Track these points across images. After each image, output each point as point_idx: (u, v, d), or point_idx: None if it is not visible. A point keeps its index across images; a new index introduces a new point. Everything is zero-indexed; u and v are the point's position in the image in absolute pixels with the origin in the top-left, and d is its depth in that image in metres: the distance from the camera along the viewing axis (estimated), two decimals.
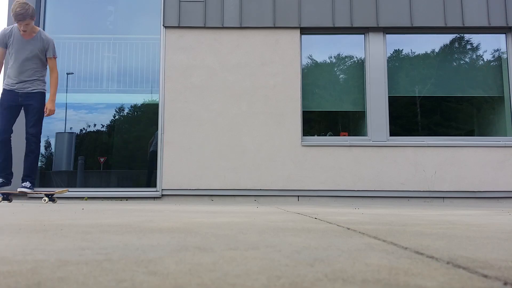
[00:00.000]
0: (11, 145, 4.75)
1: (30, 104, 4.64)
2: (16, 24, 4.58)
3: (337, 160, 6.02)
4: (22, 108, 4.74)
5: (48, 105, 4.68)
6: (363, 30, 6.36)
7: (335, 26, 6.27)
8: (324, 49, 6.55)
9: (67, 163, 6.43)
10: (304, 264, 0.81)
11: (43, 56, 4.71)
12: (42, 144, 6.35)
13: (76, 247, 1.04)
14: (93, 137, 6.59)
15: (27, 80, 4.64)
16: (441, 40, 6.51)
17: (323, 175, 6.01)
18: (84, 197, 6.06)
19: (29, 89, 4.66)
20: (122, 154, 6.53)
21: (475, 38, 6.49)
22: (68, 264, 0.79)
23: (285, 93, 6.16)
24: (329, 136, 6.48)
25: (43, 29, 6.48)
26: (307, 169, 6.02)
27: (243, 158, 6.06)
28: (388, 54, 6.42)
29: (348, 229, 1.57)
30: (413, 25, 6.26)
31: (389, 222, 1.92)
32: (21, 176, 4.77)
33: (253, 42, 6.26)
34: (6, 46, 4.67)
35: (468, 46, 6.54)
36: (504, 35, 6.41)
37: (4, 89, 4.69)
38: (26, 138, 4.64)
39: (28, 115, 4.67)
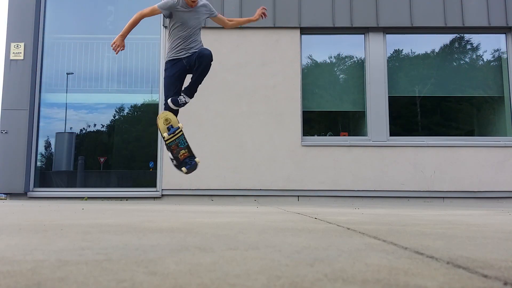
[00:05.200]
0: None
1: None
2: None
3: (337, 160, 6.02)
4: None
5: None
6: (363, 30, 6.36)
7: (335, 26, 6.26)
8: (324, 49, 6.55)
9: (67, 163, 6.43)
10: (304, 264, 0.81)
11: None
12: (42, 144, 6.36)
13: (76, 247, 1.04)
14: (93, 137, 6.59)
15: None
16: (441, 40, 6.50)
17: (323, 175, 6.01)
18: (84, 197, 6.06)
19: None
20: (122, 154, 6.53)
21: (475, 38, 6.49)
22: (68, 264, 0.79)
23: (285, 93, 6.15)
24: (329, 136, 6.48)
25: (43, 29, 6.48)
26: (307, 169, 6.02)
27: (243, 158, 6.06)
28: (388, 54, 6.41)
29: (348, 229, 1.57)
30: (413, 25, 6.26)
31: (389, 222, 1.92)
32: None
33: (253, 42, 6.25)
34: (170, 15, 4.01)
35: (468, 46, 6.54)
36: (504, 35, 6.41)
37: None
38: None
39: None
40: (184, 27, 4.06)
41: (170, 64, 4.17)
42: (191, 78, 4.18)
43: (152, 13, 3.98)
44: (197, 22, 4.14)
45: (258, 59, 6.23)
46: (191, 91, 4.20)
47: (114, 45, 3.95)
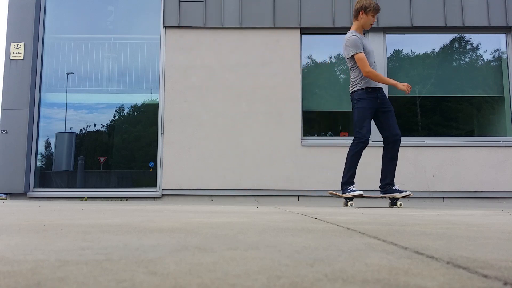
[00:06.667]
0: None
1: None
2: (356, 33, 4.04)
3: (337, 160, 6.01)
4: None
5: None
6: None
7: (335, 26, 6.26)
8: (324, 49, 6.55)
9: (67, 163, 6.43)
10: (304, 264, 0.81)
11: None
12: (42, 144, 6.36)
13: (76, 247, 1.04)
14: (93, 137, 6.59)
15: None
16: (441, 40, 6.50)
17: (323, 175, 6.01)
18: (84, 197, 6.06)
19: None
20: (122, 154, 6.53)
21: (475, 38, 6.49)
22: (68, 264, 0.79)
23: (285, 93, 6.15)
24: (329, 136, 6.47)
25: (43, 29, 6.48)
26: (307, 169, 6.02)
27: (243, 158, 6.06)
28: (388, 54, 6.41)
29: (348, 229, 1.57)
30: (413, 25, 6.26)
31: (389, 222, 1.92)
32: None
33: (253, 42, 6.26)
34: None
35: (468, 46, 6.54)
36: (504, 35, 6.41)
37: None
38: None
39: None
40: (368, 54, 4.17)
41: (367, 95, 4.04)
42: (386, 165, 4.28)
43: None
44: (371, 46, 4.28)
45: (258, 59, 6.23)
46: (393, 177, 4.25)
47: (407, 87, 4.03)
